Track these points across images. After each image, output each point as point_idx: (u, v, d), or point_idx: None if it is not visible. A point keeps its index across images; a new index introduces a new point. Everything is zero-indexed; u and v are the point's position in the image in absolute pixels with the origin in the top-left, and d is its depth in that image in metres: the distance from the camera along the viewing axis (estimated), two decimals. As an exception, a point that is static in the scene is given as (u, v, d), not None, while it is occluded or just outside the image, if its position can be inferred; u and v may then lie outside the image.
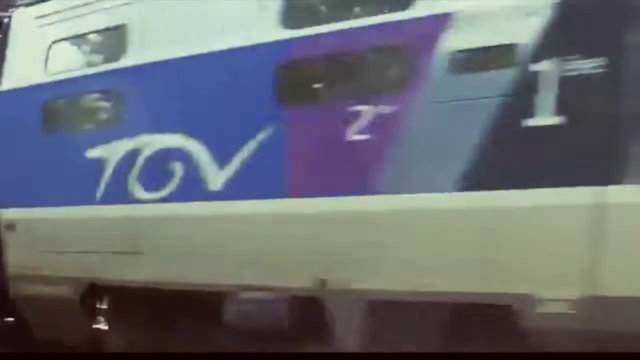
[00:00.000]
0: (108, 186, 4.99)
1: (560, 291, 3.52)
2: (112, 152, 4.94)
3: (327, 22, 4.32)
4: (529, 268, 3.61)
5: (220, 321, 4.52)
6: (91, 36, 5.51)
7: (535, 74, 3.57)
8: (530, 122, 3.58)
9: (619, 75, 3.42)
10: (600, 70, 3.43)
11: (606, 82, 3.43)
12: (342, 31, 4.16)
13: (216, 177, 4.51)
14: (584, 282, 3.50)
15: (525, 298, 3.61)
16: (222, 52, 4.54)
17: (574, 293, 3.49)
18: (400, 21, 3.98)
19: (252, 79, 4.44)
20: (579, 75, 3.46)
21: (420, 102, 3.88)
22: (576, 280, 3.51)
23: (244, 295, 4.45)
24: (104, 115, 5.39)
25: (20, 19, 5.84)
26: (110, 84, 5.14)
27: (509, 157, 3.69)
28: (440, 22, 3.85)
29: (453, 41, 3.79)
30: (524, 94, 3.60)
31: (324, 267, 4.19)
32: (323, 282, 4.20)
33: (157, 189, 4.76)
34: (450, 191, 3.79)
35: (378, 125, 3.96)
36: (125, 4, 5.08)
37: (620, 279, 3.40)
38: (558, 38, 3.56)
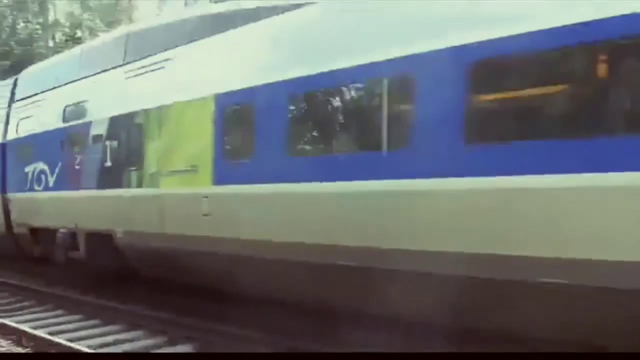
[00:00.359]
0: (29, 184, 11.73)
1: (120, 229, 9.39)
2: (30, 169, 11.68)
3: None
4: (116, 220, 9.51)
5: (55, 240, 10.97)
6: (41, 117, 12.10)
7: (106, 145, 9.50)
8: (106, 164, 9.52)
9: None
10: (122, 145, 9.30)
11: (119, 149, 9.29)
12: (70, 126, 10.37)
13: (50, 181, 11.00)
14: (124, 225, 9.33)
15: (113, 231, 9.53)
16: (52, 130, 10.98)
17: (122, 229, 9.35)
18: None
19: (63, 147, 10.76)
20: (114, 147, 9.36)
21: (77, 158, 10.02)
22: (123, 224, 9.32)
23: (61, 230, 10.82)
24: (28, 154, 12.01)
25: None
26: (32, 141, 11.86)
27: (105, 176, 9.61)
28: (89, 125, 9.92)
29: (92, 133, 9.85)
30: (103, 153, 9.53)
31: (76, 219, 10.43)
32: (77, 225, 10.44)
33: (39, 185, 11.39)
34: (94, 189, 9.84)
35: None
36: (36, 105, 11.80)
37: (141, 225, 9.16)
38: (109, 131, 9.45)
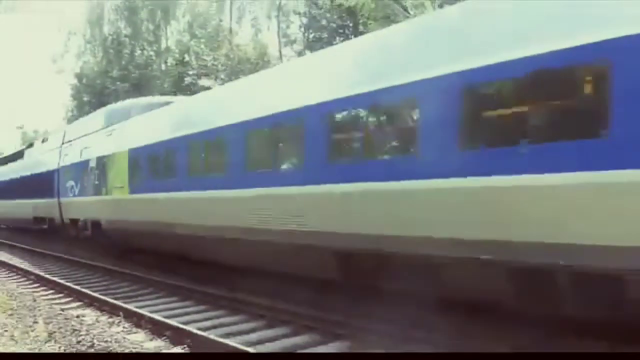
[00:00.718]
0: (68, 192, 19.86)
1: (104, 218, 17.11)
2: (68, 184, 19.84)
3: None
4: (101, 213, 17.24)
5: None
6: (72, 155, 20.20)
7: (96, 172, 17.31)
8: (95, 182, 17.31)
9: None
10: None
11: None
12: (82, 160, 18.36)
13: (76, 191, 19.05)
14: (104, 216, 17.02)
15: (100, 219, 17.25)
16: (76, 162, 19.10)
17: (104, 218, 17.07)
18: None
19: (80, 171, 18.86)
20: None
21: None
22: (104, 215, 17.04)
23: (81, 219, 18.77)
24: (68, 175, 20.13)
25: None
26: (69, 168, 20.08)
27: (95, 188, 17.42)
28: (89, 160, 17.82)
29: (90, 165, 17.77)
30: (95, 176, 17.35)
31: (86, 213, 18.32)
32: (87, 216, 18.29)
33: (72, 194, 19.52)
34: (91, 196, 17.68)
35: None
36: (71, 146, 20.00)
37: (110, 215, 16.87)
38: (96, 165, 17.25)
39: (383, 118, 8.00)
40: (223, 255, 11.56)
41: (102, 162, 16.82)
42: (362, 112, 8.03)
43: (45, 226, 22.56)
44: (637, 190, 5.09)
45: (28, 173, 24.97)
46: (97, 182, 17.23)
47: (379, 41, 8.61)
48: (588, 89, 5.79)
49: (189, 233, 12.11)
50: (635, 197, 5.10)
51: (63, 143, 21.37)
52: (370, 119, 8.03)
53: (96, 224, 17.47)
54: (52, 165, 21.73)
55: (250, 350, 6.79)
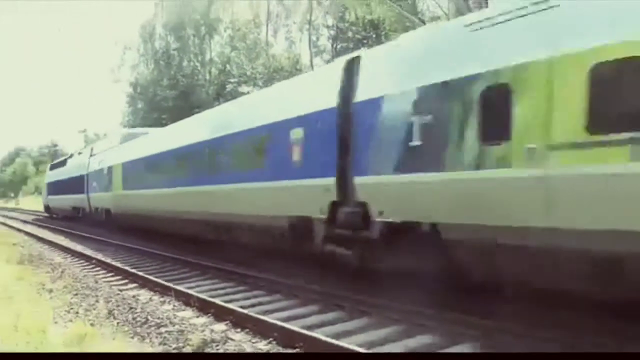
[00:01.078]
0: (92, 189, 28.10)
1: (112, 206, 24.89)
2: (93, 184, 28.22)
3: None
4: (110, 203, 25.45)
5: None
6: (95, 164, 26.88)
7: (107, 176, 24.77)
8: (107, 182, 23.76)
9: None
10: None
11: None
12: (100, 168, 25.64)
13: (96, 188, 27.32)
14: (112, 205, 25.12)
15: (110, 208, 24.90)
16: (97, 169, 27.23)
17: (113, 207, 25.09)
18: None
19: (98, 176, 26.10)
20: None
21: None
22: (112, 205, 25.05)
23: (99, 208, 25.69)
24: (93, 178, 27.50)
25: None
26: (93, 173, 28.14)
27: (106, 186, 25.40)
28: (104, 168, 25.40)
29: (104, 172, 24.94)
30: (106, 178, 25.42)
31: (102, 203, 26.43)
32: (103, 206, 25.56)
33: (94, 191, 27.72)
34: (104, 192, 25.42)
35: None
36: (95, 158, 28.06)
37: (115, 204, 24.63)
38: (107, 171, 24.66)
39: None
40: (166, 227, 18.90)
41: (110, 170, 24.64)
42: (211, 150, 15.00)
43: (80, 214, 31.22)
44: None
45: (70, 176, 33.76)
46: (107, 182, 24.93)
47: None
48: (258, 148, 12.39)
49: (151, 215, 19.59)
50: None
51: (90, 155, 29.91)
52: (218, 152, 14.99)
53: (108, 211, 25.39)
54: (83, 171, 30.24)
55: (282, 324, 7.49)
